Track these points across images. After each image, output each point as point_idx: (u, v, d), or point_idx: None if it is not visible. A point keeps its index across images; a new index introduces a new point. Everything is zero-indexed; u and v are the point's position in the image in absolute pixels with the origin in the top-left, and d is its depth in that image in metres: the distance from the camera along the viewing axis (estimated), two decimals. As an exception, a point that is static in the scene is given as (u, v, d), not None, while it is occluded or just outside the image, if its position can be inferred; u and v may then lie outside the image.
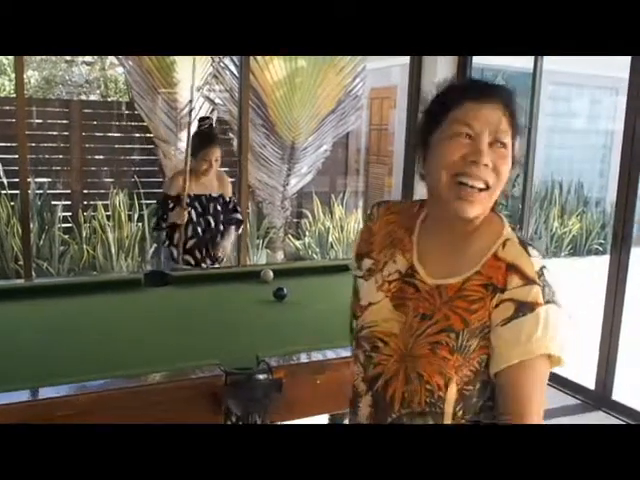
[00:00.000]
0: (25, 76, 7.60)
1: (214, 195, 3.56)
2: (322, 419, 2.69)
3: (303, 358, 1.99)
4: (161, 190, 6.78)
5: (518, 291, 1.10)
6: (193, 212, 3.49)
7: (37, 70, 8.24)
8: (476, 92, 1.16)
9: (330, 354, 2.02)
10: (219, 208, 3.56)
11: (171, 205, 3.47)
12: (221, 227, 3.57)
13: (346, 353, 2.01)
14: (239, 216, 3.71)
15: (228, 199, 3.62)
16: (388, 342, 1.20)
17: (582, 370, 4.02)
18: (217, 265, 3.59)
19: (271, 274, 3.00)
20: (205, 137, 3.49)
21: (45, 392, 1.69)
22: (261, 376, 1.76)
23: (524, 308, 1.09)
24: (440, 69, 4.85)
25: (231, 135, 6.62)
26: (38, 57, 7.97)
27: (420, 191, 4.45)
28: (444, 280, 1.18)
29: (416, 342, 1.16)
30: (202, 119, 3.64)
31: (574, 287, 6.98)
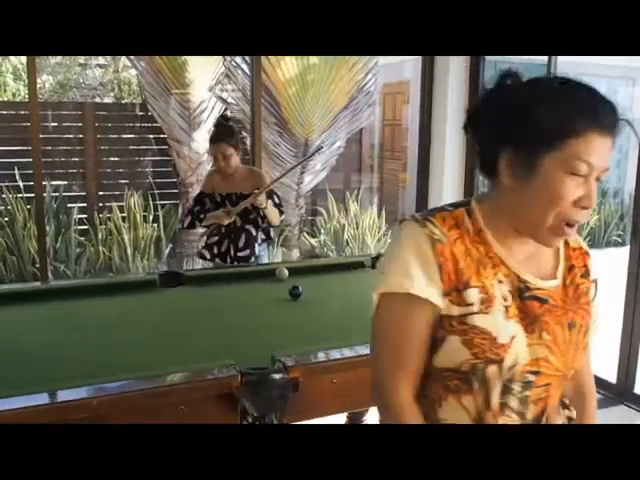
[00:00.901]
0: (40, 80, 7.67)
1: (245, 193, 3.41)
2: (340, 418, 2.68)
3: (319, 357, 1.98)
4: (176, 191, 6.86)
5: (594, 271, 1.22)
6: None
7: (51, 74, 8.31)
8: (602, 121, 1.01)
9: (347, 352, 2.00)
10: (249, 207, 3.42)
11: (208, 205, 3.46)
12: (247, 226, 3.46)
13: (364, 350, 2.00)
14: (276, 199, 3.52)
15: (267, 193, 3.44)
16: (540, 370, 1.08)
17: (603, 364, 3.96)
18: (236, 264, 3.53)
19: (286, 272, 2.98)
20: (212, 135, 3.50)
21: (61, 395, 1.69)
22: (277, 376, 1.75)
23: (597, 283, 1.22)
24: (452, 63, 4.81)
25: (244, 134, 6.62)
26: (52, 61, 8.04)
27: (435, 185, 4.40)
28: (551, 282, 1.14)
29: (577, 353, 1.12)
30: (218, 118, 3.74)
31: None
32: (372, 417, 2.88)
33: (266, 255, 3.66)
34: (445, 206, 1.15)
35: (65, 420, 1.54)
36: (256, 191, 3.31)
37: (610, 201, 9.13)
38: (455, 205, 1.14)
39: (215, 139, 3.43)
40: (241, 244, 3.47)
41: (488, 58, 4.93)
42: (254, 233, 3.50)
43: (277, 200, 3.52)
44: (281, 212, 3.54)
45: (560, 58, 4.34)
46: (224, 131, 3.49)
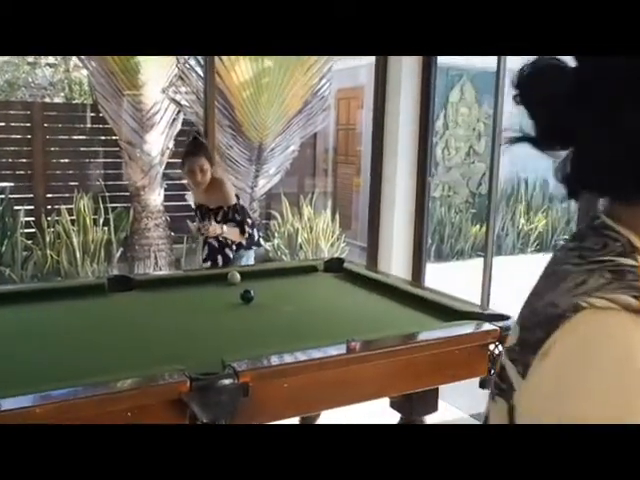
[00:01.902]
0: (-15, 78, 7.48)
1: (211, 207, 3.56)
2: (292, 423, 2.67)
3: (270, 361, 1.97)
4: (127, 194, 6.76)
5: None
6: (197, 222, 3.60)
7: (-1, 73, 8.11)
8: None
9: (299, 356, 2.01)
10: (216, 219, 3.52)
11: (195, 218, 3.70)
12: (209, 240, 3.56)
13: (316, 354, 2.01)
14: (237, 217, 3.53)
15: (227, 208, 3.52)
16: None
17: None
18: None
19: (238, 276, 2.97)
20: (186, 150, 3.58)
21: (3, 404, 1.64)
22: (226, 381, 1.73)
23: None
24: (405, 69, 4.87)
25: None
26: (0, 60, 7.84)
27: (388, 189, 4.44)
28: None
29: None
30: (190, 133, 3.86)
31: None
32: (324, 421, 2.89)
33: (242, 260, 3.65)
34: (608, 255, 0.65)
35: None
36: (192, 225, 3.52)
37: (557, 206, 9.38)
38: (610, 248, 0.66)
39: (192, 153, 3.52)
40: (204, 256, 3.64)
41: (440, 65, 5.01)
42: (216, 245, 3.58)
43: (238, 217, 3.53)
44: (242, 230, 3.51)
45: (509, 66, 4.44)
46: (200, 145, 3.56)
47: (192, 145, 3.57)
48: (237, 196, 3.63)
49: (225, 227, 3.43)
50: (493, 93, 4.48)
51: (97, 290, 2.75)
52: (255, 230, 3.68)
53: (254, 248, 3.74)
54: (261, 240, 3.85)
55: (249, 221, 3.57)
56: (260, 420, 1.87)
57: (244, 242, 3.57)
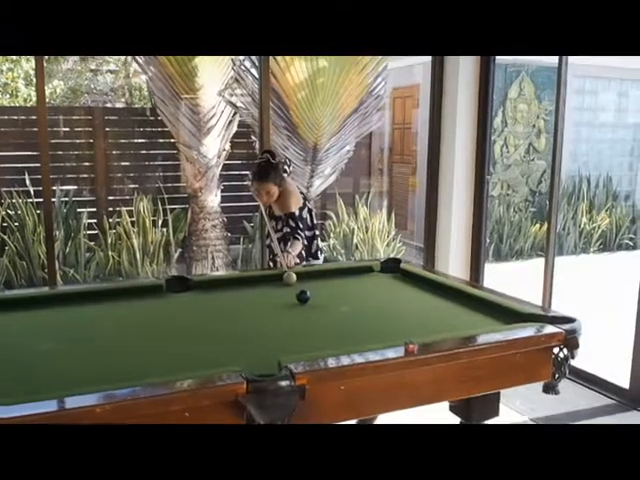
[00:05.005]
0: (51, 86, 7.73)
1: (276, 214, 3.66)
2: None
3: (327, 363, 1.95)
4: (185, 195, 6.87)
5: None
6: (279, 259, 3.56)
7: (63, 80, 8.37)
8: None
9: (355, 358, 1.97)
10: (277, 226, 3.62)
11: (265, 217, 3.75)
12: (273, 243, 3.55)
13: (373, 357, 1.97)
14: (286, 229, 3.54)
15: (284, 216, 3.56)
16: None
17: (616, 369, 3.92)
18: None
19: (294, 277, 2.96)
20: (255, 172, 3.55)
21: (66, 402, 1.67)
22: (283, 383, 1.72)
23: None
24: (462, 66, 4.78)
25: (253, 138, 6.62)
26: (64, 67, 8.11)
27: (445, 189, 4.39)
28: None
29: None
30: (262, 152, 3.72)
31: (605, 284, 6.84)
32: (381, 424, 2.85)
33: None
34: None
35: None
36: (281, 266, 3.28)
37: (621, 204, 9.07)
38: None
39: (258, 178, 3.50)
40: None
41: (498, 61, 4.90)
42: None
43: (292, 223, 3.52)
44: (295, 238, 3.46)
45: (571, 60, 4.30)
46: (268, 171, 3.50)
47: (261, 169, 3.51)
48: (302, 207, 3.61)
49: (291, 250, 3.37)
50: (553, 88, 4.35)
51: (155, 291, 2.79)
52: (315, 242, 3.70)
53: (320, 258, 3.73)
54: (319, 253, 3.75)
55: (302, 233, 3.55)
56: (316, 422, 1.85)
57: (303, 250, 3.55)
